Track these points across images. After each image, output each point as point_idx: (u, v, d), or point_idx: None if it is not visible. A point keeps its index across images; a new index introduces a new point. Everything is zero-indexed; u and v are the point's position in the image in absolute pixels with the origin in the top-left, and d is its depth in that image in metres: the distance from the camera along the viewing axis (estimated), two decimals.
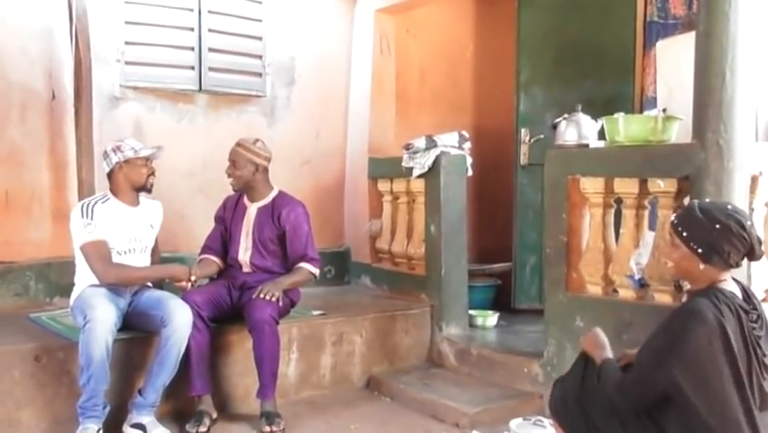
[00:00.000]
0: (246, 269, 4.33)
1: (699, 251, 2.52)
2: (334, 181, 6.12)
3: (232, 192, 4.42)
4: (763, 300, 3.69)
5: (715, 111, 3.35)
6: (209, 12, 5.28)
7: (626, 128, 3.83)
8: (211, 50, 5.30)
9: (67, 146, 4.80)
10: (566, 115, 4.28)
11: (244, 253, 4.32)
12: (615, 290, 3.97)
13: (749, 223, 2.55)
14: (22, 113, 4.73)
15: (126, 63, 5.05)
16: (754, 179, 3.55)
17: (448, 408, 4.13)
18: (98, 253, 3.74)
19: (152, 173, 3.98)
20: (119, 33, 5.01)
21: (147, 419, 3.69)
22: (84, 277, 3.85)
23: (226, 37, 5.38)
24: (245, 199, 4.39)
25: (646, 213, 3.91)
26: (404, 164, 5.21)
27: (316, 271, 4.34)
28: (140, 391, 3.75)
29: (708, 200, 2.80)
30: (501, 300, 5.82)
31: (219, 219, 4.48)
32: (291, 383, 4.42)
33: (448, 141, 5.09)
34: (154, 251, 4.15)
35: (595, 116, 4.16)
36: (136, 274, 3.91)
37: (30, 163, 4.76)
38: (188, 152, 5.28)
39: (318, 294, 5.22)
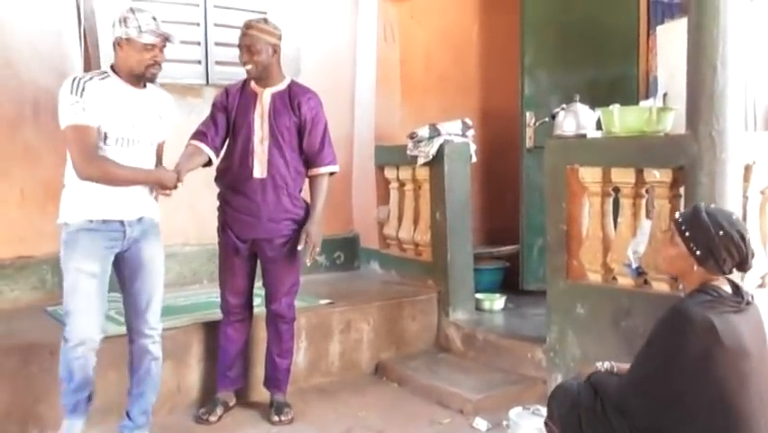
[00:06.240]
0: (258, 172, 3.90)
1: (698, 253, 2.55)
2: (343, 169, 5.97)
3: None
4: (760, 286, 3.76)
5: (707, 102, 3.39)
6: (215, 6, 5.34)
7: (622, 119, 3.88)
8: (217, 44, 5.35)
9: None
10: (564, 105, 4.31)
11: (260, 144, 3.90)
12: (614, 278, 4.02)
13: (749, 236, 2.59)
14: (35, 112, 4.79)
15: None
16: (747, 168, 3.59)
17: (453, 394, 4.23)
18: (81, 142, 3.10)
19: (156, 64, 3.24)
20: None
21: None
22: (72, 195, 3.25)
23: (232, 30, 5.35)
24: (253, 85, 3.98)
25: (643, 202, 3.95)
26: (409, 153, 5.25)
27: (335, 168, 4.14)
28: (127, 414, 3.51)
29: (713, 206, 2.79)
30: (510, 282, 5.85)
31: (220, 106, 4.00)
32: (301, 371, 4.52)
33: (451, 129, 5.13)
34: (159, 153, 3.53)
35: (599, 98, 4.16)
36: (121, 173, 3.22)
37: (44, 161, 4.81)
38: None
39: (328, 280, 5.32)
